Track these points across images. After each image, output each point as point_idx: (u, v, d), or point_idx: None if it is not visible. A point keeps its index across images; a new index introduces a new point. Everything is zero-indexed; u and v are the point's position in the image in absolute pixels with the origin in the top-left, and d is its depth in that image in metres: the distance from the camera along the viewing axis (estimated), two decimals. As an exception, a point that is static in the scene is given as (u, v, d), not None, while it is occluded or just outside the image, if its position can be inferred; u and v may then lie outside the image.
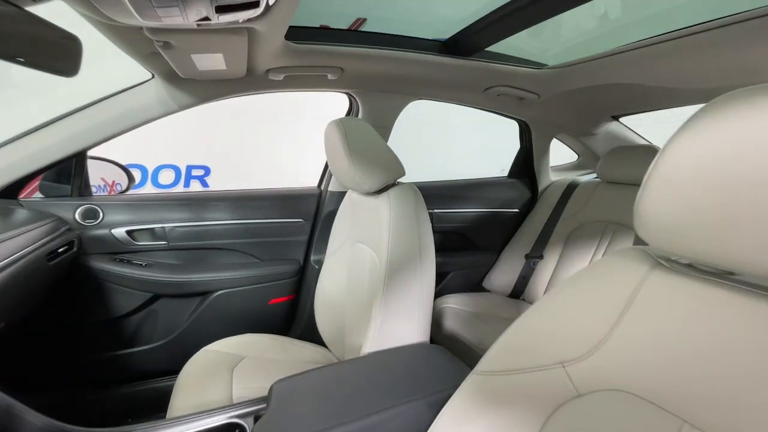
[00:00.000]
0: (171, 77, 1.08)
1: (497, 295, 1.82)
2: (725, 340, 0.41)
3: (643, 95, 1.50)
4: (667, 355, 0.45)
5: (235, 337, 1.27)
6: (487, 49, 1.22)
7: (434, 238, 1.75)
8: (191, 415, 0.78)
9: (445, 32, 1.20)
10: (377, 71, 1.24)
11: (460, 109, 1.71)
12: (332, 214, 1.33)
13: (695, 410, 0.41)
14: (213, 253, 1.43)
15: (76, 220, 1.22)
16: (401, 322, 0.93)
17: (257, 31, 0.77)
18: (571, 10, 0.91)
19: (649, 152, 1.50)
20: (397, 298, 0.92)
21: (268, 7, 0.60)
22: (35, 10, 0.56)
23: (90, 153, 1.29)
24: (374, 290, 0.98)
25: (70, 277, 1.19)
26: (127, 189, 1.47)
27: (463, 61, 1.21)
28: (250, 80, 1.16)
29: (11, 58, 0.52)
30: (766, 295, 0.41)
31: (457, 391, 0.61)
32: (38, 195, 1.26)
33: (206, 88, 1.16)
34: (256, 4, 0.58)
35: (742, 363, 0.40)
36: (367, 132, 1.04)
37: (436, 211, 1.76)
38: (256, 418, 0.78)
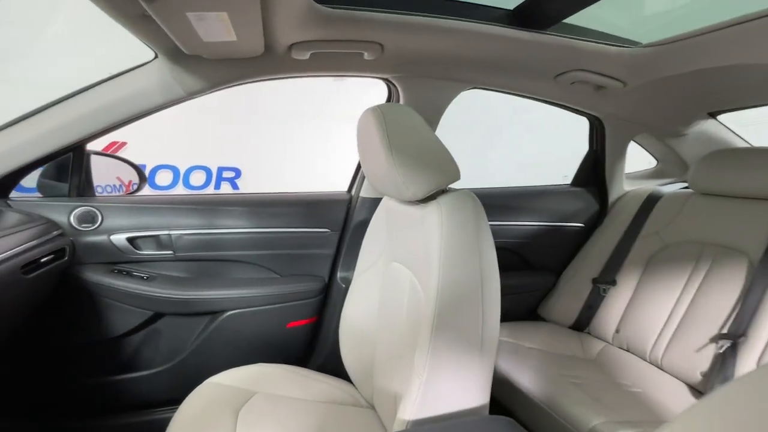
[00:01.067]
0: (176, 56, 0.89)
1: (556, 326, 1.52)
2: None
3: (755, 85, 1.18)
4: None
5: (245, 367, 1.06)
6: (565, 21, 0.96)
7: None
8: None
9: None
10: (425, 49, 1.00)
11: (509, 104, 1.45)
12: (364, 224, 1.10)
13: None
14: (225, 265, 1.23)
15: (70, 224, 1.05)
16: (455, 382, 0.68)
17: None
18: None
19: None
20: (450, 347, 0.67)
21: None
22: None
23: (95, 149, 1.14)
24: (416, 331, 0.73)
25: (59, 290, 1.02)
26: (139, 189, 1.31)
27: (537, 35, 0.95)
28: (270, 60, 0.95)
29: None
30: None
31: None
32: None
33: (218, 70, 0.96)
34: None
35: None
36: (413, 122, 0.80)
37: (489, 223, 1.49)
38: None
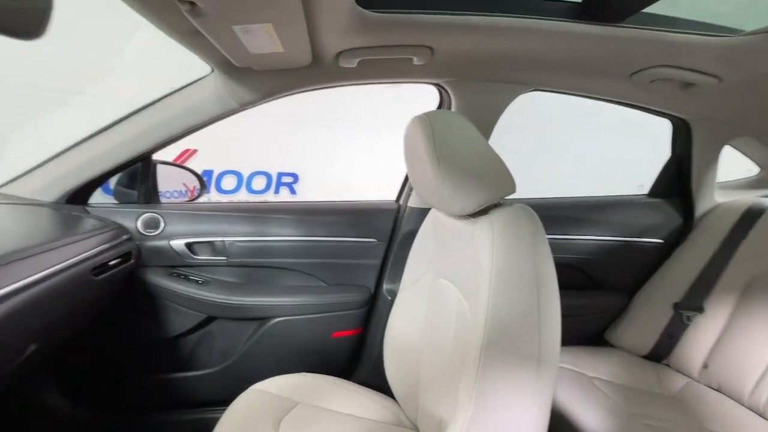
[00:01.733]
0: (228, 69, 0.92)
1: (628, 355, 1.35)
2: None
3: None
4: None
5: (289, 376, 1.06)
6: (645, 10, 0.83)
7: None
8: None
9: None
10: (479, 51, 0.93)
11: (577, 104, 1.31)
12: (411, 235, 1.05)
13: None
14: (274, 272, 1.25)
15: (137, 229, 1.13)
16: (506, 418, 0.61)
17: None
18: None
19: None
20: (501, 380, 0.60)
21: None
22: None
23: (160, 158, 1.22)
24: (463, 356, 0.67)
25: (124, 291, 1.10)
26: (200, 196, 1.38)
27: (610, 29, 0.84)
28: (318, 69, 0.94)
29: None
30: None
31: None
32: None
33: (267, 81, 0.98)
34: None
35: None
36: (463, 130, 0.74)
37: (548, 237, 1.37)
38: None
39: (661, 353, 1.30)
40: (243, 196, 4.01)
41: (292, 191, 4.30)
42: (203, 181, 1.39)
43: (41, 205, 1.03)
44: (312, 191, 4.23)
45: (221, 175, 4.03)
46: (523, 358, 0.61)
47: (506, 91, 1.10)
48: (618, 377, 1.22)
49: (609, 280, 1.44)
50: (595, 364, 1.25)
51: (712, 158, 1.33)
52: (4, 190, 1.04)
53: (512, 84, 1.09)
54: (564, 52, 0.93)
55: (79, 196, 1.10)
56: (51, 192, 1.05)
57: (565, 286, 1.42)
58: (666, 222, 1.42)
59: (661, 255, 1.41)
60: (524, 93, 1.11)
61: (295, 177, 4.34)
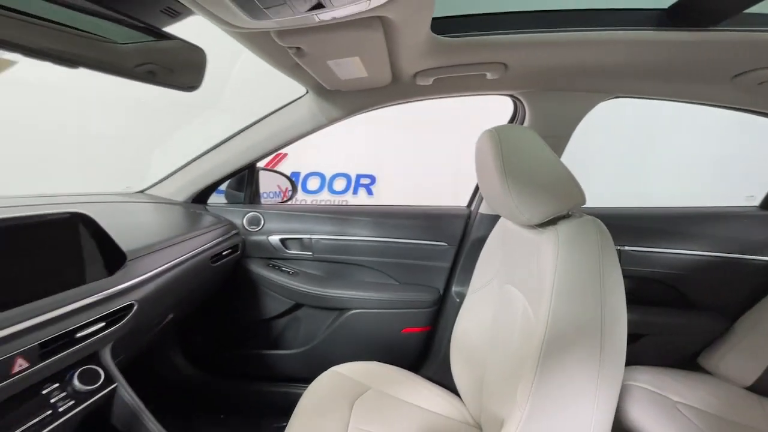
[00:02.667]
0: (320, 91, 1.06)
1: (726, 385, 1.21)
2: None
3: None
4: None
5: (364, 363, 1.18)
6: (745, 11, 0.77)
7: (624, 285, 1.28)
8: None
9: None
10: (553, 64, 0.94)
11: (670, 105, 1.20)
12: (481, 241, 1.09)
13: None
14: (352, 268, 1.39)
15: (243, 226, 1.35)
16: (561, 421, 0.63)
17: (392, 22, 0.62)
18: None
19: None
20: (556, 384, 0.63)
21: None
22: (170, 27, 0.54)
23: (261, 165, 1.43)
24: (524, 357, 0.71)
25: (233, 277, 1.32)
26: (291, 198, 1.58)
27: (702, 34, 0.79)
28: (397, 87, 1.04)
29: (140, 79, 0.50)
30: None
31: None
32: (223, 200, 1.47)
33: (352, 100, 1.10)
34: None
35: None
36: (531, 144, 0.77)
37: (626, 248, 1.30)
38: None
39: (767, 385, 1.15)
40: (325, 196, 4.33)
41: (370, 192, 4.51)
42: (295, 185, 1.58)
43: (175, 204, 1.28)
44: (388, 192, 4.39)
45: (307, 176, 4.40)
46: (581, 366, 0.62)
47: (583, 100, 1.08)
48: (711, 406, 1.12)
49: (707, 300, 1.31)
50: (681, 389, 1.15)
51: None
52: (149, 192, 1.32)
53: (591, 93, 1.07)
54: (650, 59, 0.89)
55: (202, 197, 1.35)
56: (182, 194, 1.31)
57: (648, 302, 1.34)
58: (782, 238, 1.24)
59: (774, 276, 1.25)
60: (604, 101, 1.08)
61: (373, 179, 4.55)
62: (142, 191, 1.31)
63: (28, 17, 0.36)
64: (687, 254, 1.29)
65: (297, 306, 1.36)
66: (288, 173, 1.55)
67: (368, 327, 1.33)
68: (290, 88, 1.15)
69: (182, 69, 0.55)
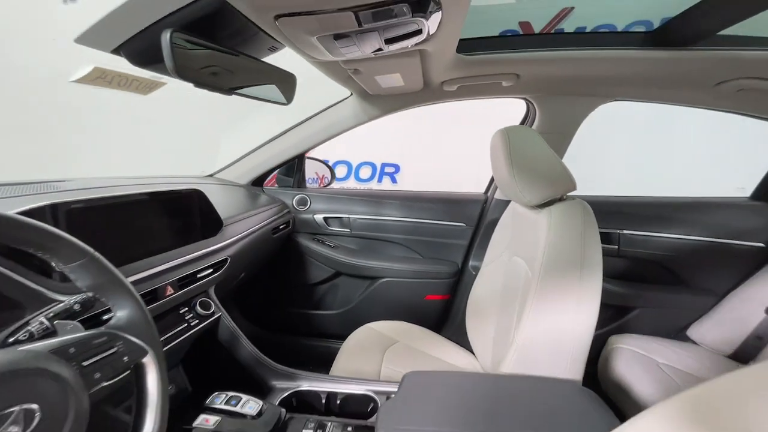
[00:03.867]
0: (363, 94, 1.29)
1: (709, 353, 1.39)
2: None
3: None
4: None
5: (392, 321, 1.42)
6: (720, 33, 0.94)
7: (619, 265, 1.48)
8: (346, 378, 0.93)
9: (658, 17, 0.98)
10: (557, 74, 1.13)
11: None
12: (495, 222, 1.30)
13: None
14: (383, 244, 1.63)
15: (293, 206, 1.61)
16: (544, 350, 0.85)
17: (427, 51, 0.83)
18: None
19: None
20: (543, 322, 0.85)
21: (431, 33, 0.65)
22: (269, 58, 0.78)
23: (307, 154, 1.68)
24: (522, 307, 0.92)
25: (285, 248, 1.58)
26: (330, 183, 1.83)
27: (683, 52, 0.97)
28: (426, 92, 1.25)
29: (219, 91, 0.74)
30: None
31: None
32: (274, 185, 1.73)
33: (389, 102, 1.32)
34: (419, 32, 0.64)
35: None
36: (533, 142, 0.98)
37: (625, 232, 1.48)
38: (388, 398, 0.86)
39: (747, 355, 1.32)
40: (351, 183, 4.58)
41: (393, 180, 4.73)
42: (333, 172, 1.83)
43: (240, 186, 1.55)
44: (411, 180, 4.60)
45: (335, 164, 4.65)
46: (563, 308, 0.83)
47: (586, 103, 1.26)
48: (691, 368, 1.29)
49: (697, 279, 1.47)
50: (666, 353, 1.33)
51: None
52: (218, 176, 1.59)
53: (592, 97, 1.25)
54: (640, 71, 1.07)
55: (259, 180, 1.62)
56: (244, 178, 1.58)
57: (642, 279, 1.52)
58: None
59: (759, 259, 1.40)
60: (604, 104, 1.26)
61: (397, 168, 4.76)
62: (211, 175, 1.59)
63: (208, 64, 0.60)
64: (681, 239, 1.46)
65: (337, 274, 1.62)
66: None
67: (396, 293, 1.57)
68: (333, 93, 1.38)
69: (282, 89, 0.79)
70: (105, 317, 0.64)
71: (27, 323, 0.44)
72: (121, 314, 0.51)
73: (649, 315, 1.48)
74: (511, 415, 0.71)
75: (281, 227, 1.46)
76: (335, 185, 1.81)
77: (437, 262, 1.58)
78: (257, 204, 1.41)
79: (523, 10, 1.02)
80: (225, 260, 1.02)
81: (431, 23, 0.62)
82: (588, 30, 1.02)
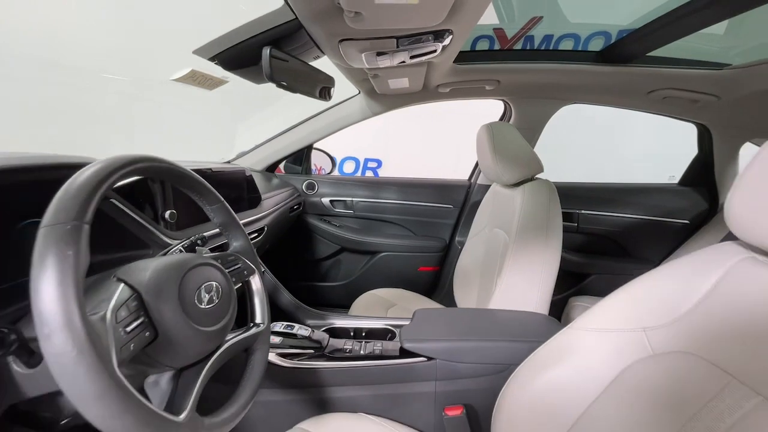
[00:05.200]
0: (370, 93, 1.52)
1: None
2: None
3: None
4: (746, 331, 0.53)
5: (391, 289, 1.67)
6: (650, 54, 1.24)
7: (578, 239, 1.80)
8: (368, 316, 1.16)
9: (615, 29, 1.26)
10: (530, 81, 1.42)
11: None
12: (477, 204, 1.57)
13: (745, 370, 0.51)
14: (381, 224, 1.88)
15: (302, 190, 1.82)
16: (520, 291, 1.12)
17: (433, 62, 1.08)
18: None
19: None
20: (519, 270, 1.12)
21: (441, 51, 0.90)
22: (315, 62, 1.01)
23: (315, 145, 1.90)
24: (502, 265, 1.19)
25: (296, 226, 1.80)
26: (331, 172, 2.05)
27: (619, 68, 1.27)
28: (424, 93, 1.50)
29: (294, 91, 0.97)
30: None
31: (551, 339, 0.78)
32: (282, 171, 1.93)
33: (392, 100, 1.57)
34: (434, 51, 0.89)
35: None
36: (511, 134, 1.25)
37: (583, 211, 1.80)
38: (402, 329, 1.11)
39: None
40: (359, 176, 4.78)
41: (376, 174, 4.97)
42: (334, 161, 2.05)
43: (257, 171, 1.75)
44: (392, 174, 4.85)
45: (320, 158, 4.84)
46: (533, 259, 1.11)
47: (552, 105, 1.56)
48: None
49: (639, 251, 1.81)
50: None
51: (732, 155, 1.63)
52: (235, 162, 1.79)
53: (556, 100, 1.55)
54: (590, 81, 1.37)
55: (273, 167, 1.82)
56: (260, 165, 1.78)
57: (596, 251, 1.84)
58: (692, 206, 1.74)
59: (686, 233, 1.75)
60: (566, 105, 1.56)
61: (379, 162, 5.01)
62: (229, 162, 1.78)
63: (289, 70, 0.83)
64: (627, 217, 1.79)
65: (341, 250, 1.85)
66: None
67: (393, 266, 1.83)
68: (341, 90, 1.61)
69: (324, 87, 1.01)
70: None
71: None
72: (236, 244, 0.73)
73: (602, 280, 1.81)
74: (495, 330, 0.98)
75: (295, 208, 1.67)
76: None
77: (428, 239, 1.84)
78: (275, 187, 1.62)
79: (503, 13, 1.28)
80: (263, 228, 1.24)
81: (444, 44, 0.87)
82: (555, 38, 1.30)
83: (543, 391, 0.71)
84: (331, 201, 1.84)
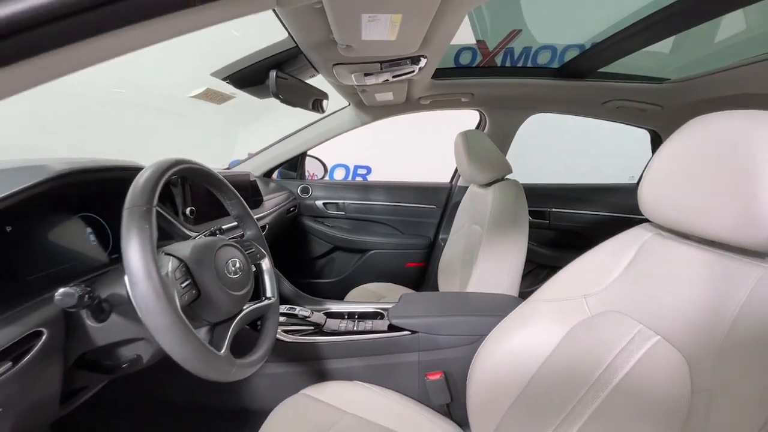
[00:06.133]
0: (359, 105, 1.69)
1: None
2: (697, 283, 0.62)
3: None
4: (653, 289, 0.69)
5: (382, 283, 1.83)
6: (601, 69, 1.44)
7: (549, 234, 1.99)
8: (359, 302, 1.31)
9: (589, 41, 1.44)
10: (500, 93, 1.61)
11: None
12: (458, 204, 1.75)
13: (661, 324, 0.65)
14: (371, 224, 2.04)
15: (297, 193, 1.98)
16: (493, 275, 1.29)
17: (413, 79, 1.26)
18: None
19: None
20: (491, 258, 1.29)
21: (418, 72, 1.08)
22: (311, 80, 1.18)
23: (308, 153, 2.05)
24: (478, 253, 1.36)
25: (293, 228, 1.95)
26: (323, 177, 2.21)
27: (576, 83, 1.47)
28: (407, 105, 1.68)
29: (294, 105, 1.13)
30: (730, 255, 0.58)
31: (512, 312, 0.94)
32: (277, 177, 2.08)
33: (379, 111, 1.74)
34: (412, 71, 1.06)
35: (701, 300, 0.60)
36: (483, 141, 1.43)
37: (554, 210, 1.98)
38: (391, 312, 1.27)
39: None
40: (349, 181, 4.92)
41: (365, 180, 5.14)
42: (326, 167, 2.21)
43: (256, 176, 1.90)
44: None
45: (311, 165, 5.00)
46: (503, 248, 1.28)
47: (521, 114, 1.76)
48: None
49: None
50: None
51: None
52: (238, 168, 1.93)
53: (524, 110, 1.74)
54: (551, 93, 1.57)
55: (270, 173, 1.97)
56: (259, 170, 1.93)
57: (566, 246, 2.03)
58: (650, 204, 1.94)
59: (644, 228, 1.94)
60: (533, 115, 1.76)
61: (368, 169, 5.18)
62: (229, 168, 1.92)
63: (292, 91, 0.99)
64: (593, 214, 1.98)
65: (334, 248, 2.00)
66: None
67: (383, 262, 1.98)
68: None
69: (317, 100, 1.18)
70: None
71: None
72: (249, 233, 0.89)
73: (571, 272, 1.99)
74: (468, 308, 1.14)
75: (291, 210, 1.82)
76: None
77: (414, 237, 2.01)
78: (273, 190, 1.77)
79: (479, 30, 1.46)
80: (265, 226, 1.39)
81: (420, 66, 1.05)
82: (534, 49, 1.49)
83: (505, 355, 0.84)
84: (324, 203, 2.00)
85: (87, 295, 0.59)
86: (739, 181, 0.52)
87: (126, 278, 0.52)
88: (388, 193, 2.01)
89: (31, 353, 0.53)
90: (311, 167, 2.23)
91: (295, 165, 2.05)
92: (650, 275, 0.72)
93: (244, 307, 0.75)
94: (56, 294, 0.54)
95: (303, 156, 2.02)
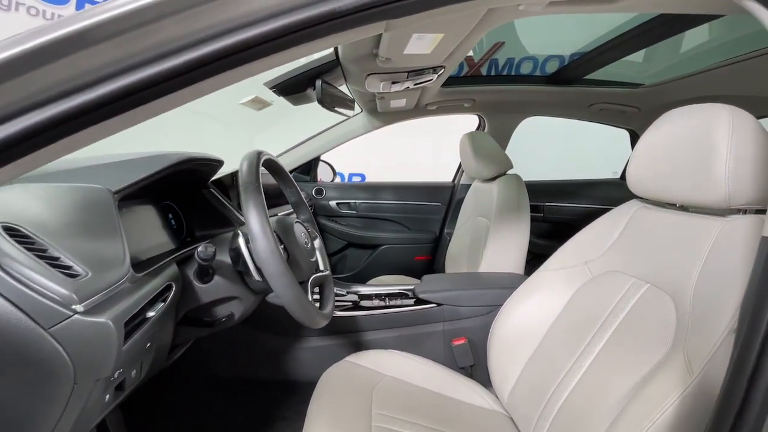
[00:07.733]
0: (372, 111, 1.86)
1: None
2: (675, 239, 0.78)
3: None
4: (642, 249, 0.85)
5: (393, 275, 1.98)
6: (586, 77, 1.65)
7: (544, 227, 2.19)
8: (379, 284, 1.46)
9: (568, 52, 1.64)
10: (499, 99, 1.80)
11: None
12: (461, 201, 1.92)
13: (650, 274, 0.80)
14: (381, 222, 2.19)
15: (312, 195, 2.12)
16: (501, 256, 1.46)
17: (427, 86, 1.44)
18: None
19: None
20: (499, 241, 1.46)
21: (438, 78, 1.25)
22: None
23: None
24: (486, 239, 1.53)
25: None
26: (332, 180, 2.36)
27: (565, 88, 1.67)
28: (415, 111, 1.86)
29: (331, 109, 1.29)
30: (697, 215, 0.75)
31: (523, 284, 1.10)
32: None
33: (389, 116, 1.92)
34: (431, 79, 1.24)
35: (678, 252, 0.76)
36: (486, 140, 1.62)
37: (547, 204, 2.18)
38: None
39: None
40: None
41: (360, 188, 5.29)
42: (335, 171, 2.37)
43: (274, 180, 2.03)
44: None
45: (308, 174, 5.13)
46: (509, 234, 1.45)
47: (516, 117, 1.96)
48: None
49: (593, 235, 2.20)
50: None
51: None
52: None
53: (520, 113, 1.95)
54: (545, 98, 1.77)
55: (286, 176, 2.11)
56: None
57: (560, 237, 2.21)
58: (630, 196, 2.15)
59: (628, 218, 2.16)
60: (528, 118, 1.97)
61: (363, 177, 5.35)
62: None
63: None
64: (582, 206, 2.18)
65: (348, 245, 2.15)
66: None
67: (393, 256, 2.14)
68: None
69: (348, 106, 1.35)
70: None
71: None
72: (303, 217, 1.04)
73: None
74: (485, 283, 1.31)
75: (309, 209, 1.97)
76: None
77: (421, 232, 2.17)
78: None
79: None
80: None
81: (438, 74, 1.22)
82: (516, 60, 1.68)
83: (520, 318, 0.99)
84: (337, 203, 2.15)
85: (215, 252, 0.73)
86: (700, 157, 0.68)
87: (240, 240, 0.66)
88: (396, 192, 2.17)
89: (168, 300, 0.67)
90: (321, 173, 2.38)
91: (307, 169, 2.20)
92: (639, 238, 0.88)
93: (308, 277, 0.90)
94: (198, 247, 0.68)
95: (316, 160, 2.17)
